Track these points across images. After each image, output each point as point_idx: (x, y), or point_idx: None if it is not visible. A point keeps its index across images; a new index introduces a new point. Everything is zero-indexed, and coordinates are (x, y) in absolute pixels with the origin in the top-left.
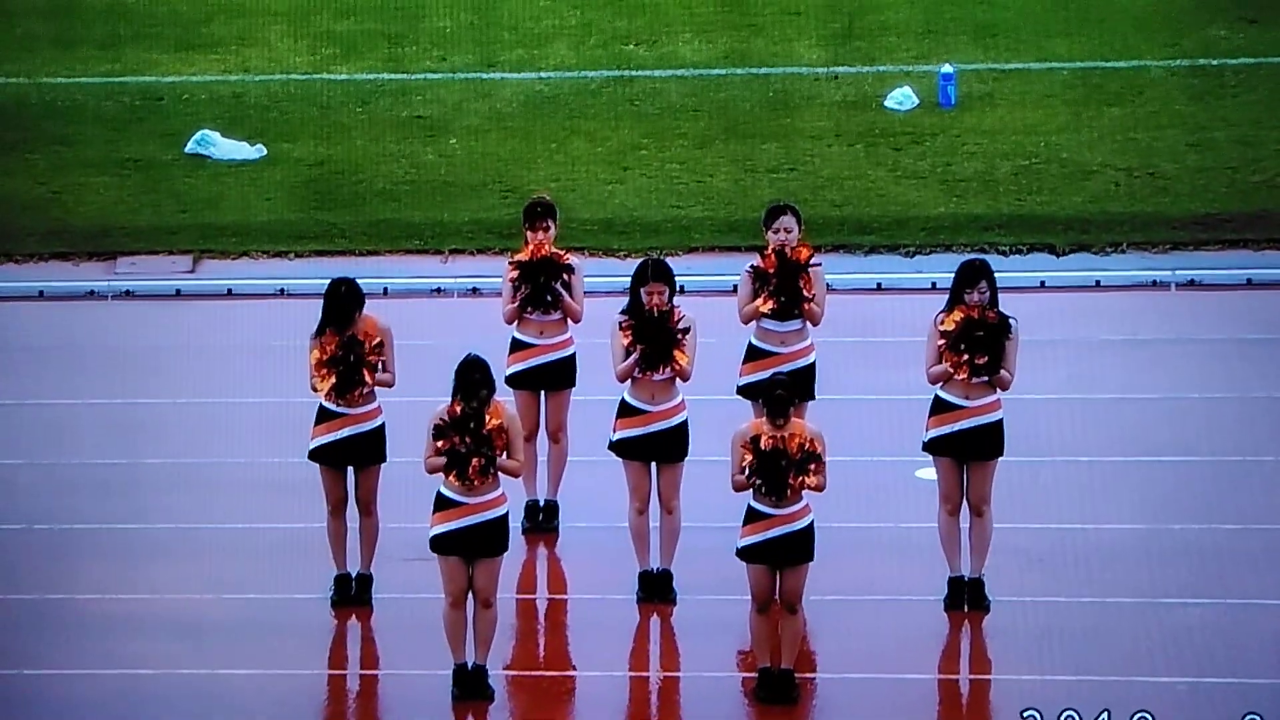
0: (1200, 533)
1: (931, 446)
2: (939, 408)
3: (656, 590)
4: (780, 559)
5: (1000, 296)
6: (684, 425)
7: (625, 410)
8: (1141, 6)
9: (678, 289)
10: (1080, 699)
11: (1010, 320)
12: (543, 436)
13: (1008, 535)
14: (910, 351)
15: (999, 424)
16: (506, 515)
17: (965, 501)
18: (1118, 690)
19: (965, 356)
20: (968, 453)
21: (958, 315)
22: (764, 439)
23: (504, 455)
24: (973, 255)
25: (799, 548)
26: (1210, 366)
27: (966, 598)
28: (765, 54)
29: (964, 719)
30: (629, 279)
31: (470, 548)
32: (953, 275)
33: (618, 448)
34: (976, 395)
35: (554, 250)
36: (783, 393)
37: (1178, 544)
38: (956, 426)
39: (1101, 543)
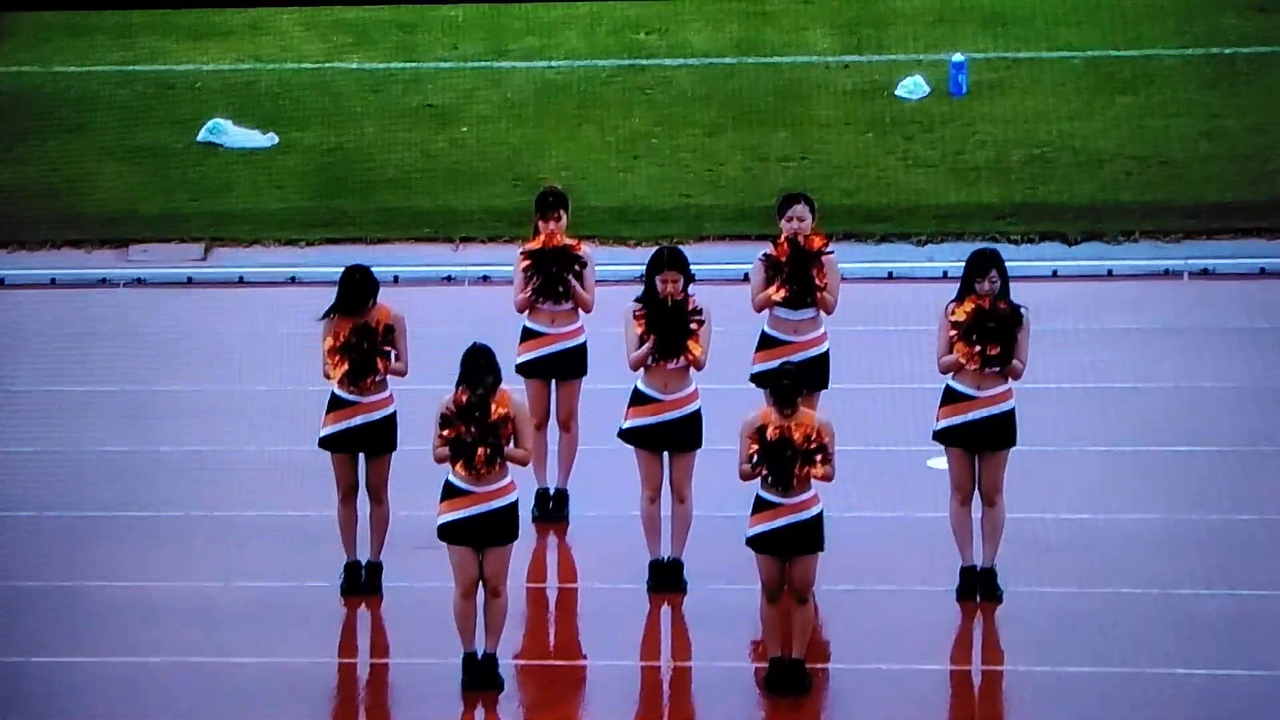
0: (1215, 523)
1: (943, 437)
2: (950, 398)
3: (667, 580)
4: (788, 549)
5: (1012, 285)
6: (697, 414)
7: (638, 399)
8: None
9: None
10: (1093, 690)
11: (1022, 310)
12: (553, 425)
13: (1020, 525)
14: (922, 339)
15: (1011, 414)
16: (515, 503)
17: (977, 491)
18: (1131, 681)
19: (977, 347)
20: (979, 443)
21: (969, 305)
22: (770, 428)
23: (510, 444)
24: (984, 244)
25: (808, 537)
26: (1223, 356)
27: (979, 588)
28: (776, 42)
29: (976, 710)
30: (640, 267)
31: (479, 536)
32: (964, 264)
33: (629, 436)
34: (988, 385)
35: (566, 240)
36: (789, 382)
37: (1192, 534)
38: (968, 417)
39: (1115, 533)
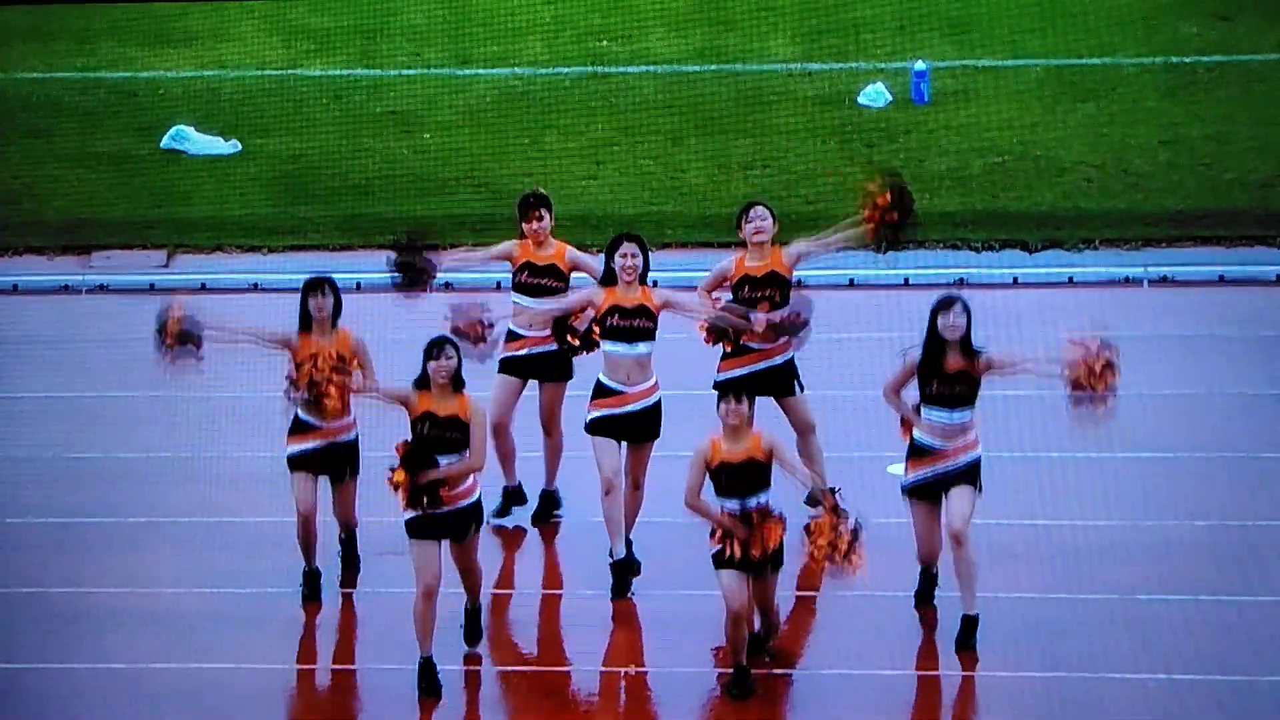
0: (1174, 528)
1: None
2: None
3: (623, 567)
4: (755, 570)
5: (972, 292)
6: (657, 406)
7: (601, 391)
8: (1114, 3)
9: (651, 284)
10: (1054, 694)
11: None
12: (536, 428)
13: (983, 531)
14: (882, 346)
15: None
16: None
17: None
18: (1090, 686)
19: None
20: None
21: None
22: (736, 546)
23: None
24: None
25: (772, 560)
26: (1183, 363)
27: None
28: (738, 50)
29: (937, 714)
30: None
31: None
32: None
33: (592, 427)
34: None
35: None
36: (744, 392)
37: (1151, 540)
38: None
39: (1075, 539)
